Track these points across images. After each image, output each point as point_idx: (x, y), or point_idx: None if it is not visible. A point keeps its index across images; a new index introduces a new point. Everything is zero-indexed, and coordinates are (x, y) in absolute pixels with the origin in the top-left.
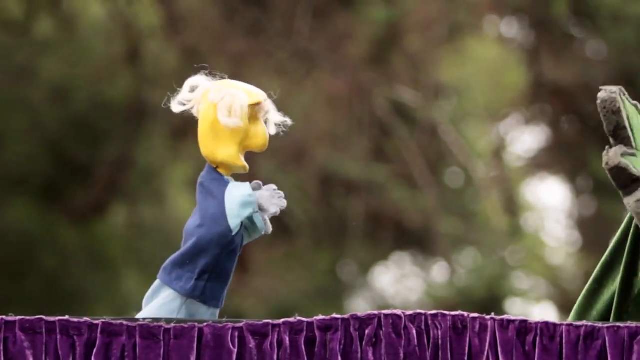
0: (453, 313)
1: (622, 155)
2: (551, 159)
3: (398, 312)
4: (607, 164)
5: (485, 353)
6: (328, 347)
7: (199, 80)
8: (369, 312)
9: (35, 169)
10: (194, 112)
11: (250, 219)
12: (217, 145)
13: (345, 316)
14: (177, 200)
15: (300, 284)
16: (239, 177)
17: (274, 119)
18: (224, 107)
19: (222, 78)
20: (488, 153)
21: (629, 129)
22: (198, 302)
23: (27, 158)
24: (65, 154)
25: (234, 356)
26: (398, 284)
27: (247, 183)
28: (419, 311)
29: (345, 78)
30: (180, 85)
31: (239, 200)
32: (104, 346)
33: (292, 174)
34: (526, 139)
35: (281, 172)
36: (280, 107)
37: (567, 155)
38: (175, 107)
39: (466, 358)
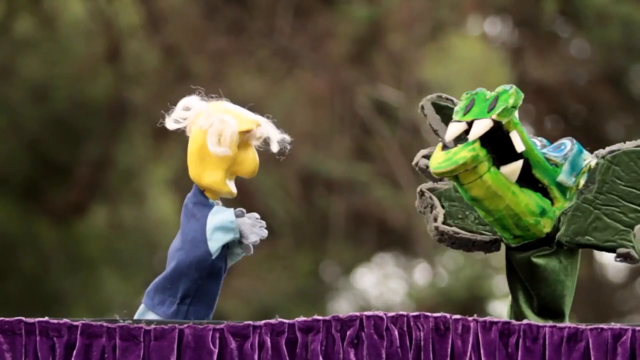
0: (435, 314)
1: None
2: None
3: (380, 313)
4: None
5: (468, 355)
6: (309, 348)
7: (192, 101)
8: (350, 313)
9: (15, 168)
10: (187, 131)
11: (230, 244)
12: (203, 170)
13: (327, 317)
14: (157, 200)
15: (282, 284)
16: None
17: (274, 138)
18: (213, 134)
19: (219, 99)
20: None
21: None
22: None
23: (6, 158)
24: (45, 154)
25: (215, 357)
26: (380, 285)
27: (231, 209)
28: (401, 312)
29: (327, 77)
30: (162, 84)
31: (220, 224)
32: (84, 348)
33: (274, 173)
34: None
35: (262, 171)
36: (261, 106)
37: None
38: (170, 124)
39: (448, 359)
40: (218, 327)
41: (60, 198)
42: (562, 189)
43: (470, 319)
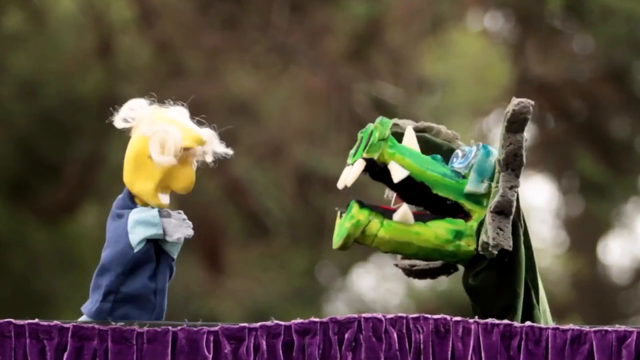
0: (435, 316)
1: None
2: (536, 157)
3: (378, 315)
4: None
5: (469, 358)
6: (306, 351)
7: (138, 103)
8: (348, 315)
9: (3, 166)
10: (131, 133)
11: (162, 246)
12: (136, 178)
13: (324, 320)
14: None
15: (277, 285)
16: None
17: (217, 151)
18: (156, 143)
19: (171, 104)
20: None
21: None
22: None
23: None
24: (35, 151)
25: None
26: (378, 286)
27: (156, 209)
28: (400, 314)
29: (324, 73)
30: (154, 80)
31: (142, 219)
32: (75, 351)
33: (269, 171)
34: None
35: (258, 169)
36: (257, 102)
37: (553, 153)
38: (119, 123)
39: None
40: (212, 329)
41: (50, 197)
42: (476, 198)
43: (471, 321)
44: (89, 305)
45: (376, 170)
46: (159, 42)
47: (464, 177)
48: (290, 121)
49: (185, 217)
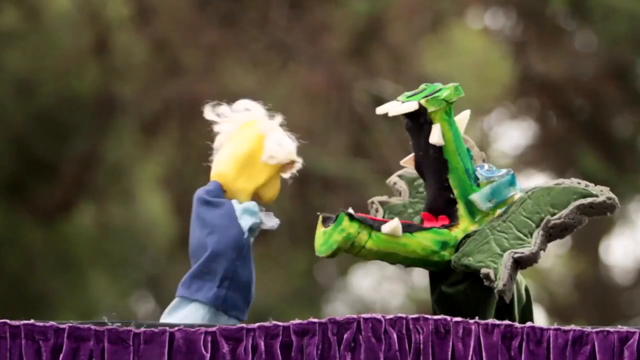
0: (435, 317)
1: None
2: (538, 155)
3: (378, 315)
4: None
5: (469, 358)
6: (305, 352)
7: (254, 104)
8: (347, 315)
9: None
10: (223, 129)
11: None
12: (240, 174)
13: (323, 320)
14: (147, 199)
15: (276, 286)
16: None
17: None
18: (273, 144)
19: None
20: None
21: None
22: (220, 312)
23: None
24: (30, 150)
25: None
26: (378, 287)
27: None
28: (399, 315)
29: (323, 71)
30: (152, 78)
31: (246, 207)
32: (71, 351)
33: None
34: (512, 135)
35: None
36: (255, 100)
37: (555, 152)
38: (209, 114)
39: None
40: (210, 330)
41: (46, 196)
42: (472, 208)
43: (471, 321)
44: (204, 291)
45: (417, 122)
46: (156, 40)
47: (479, 185)
48: (288, 120)
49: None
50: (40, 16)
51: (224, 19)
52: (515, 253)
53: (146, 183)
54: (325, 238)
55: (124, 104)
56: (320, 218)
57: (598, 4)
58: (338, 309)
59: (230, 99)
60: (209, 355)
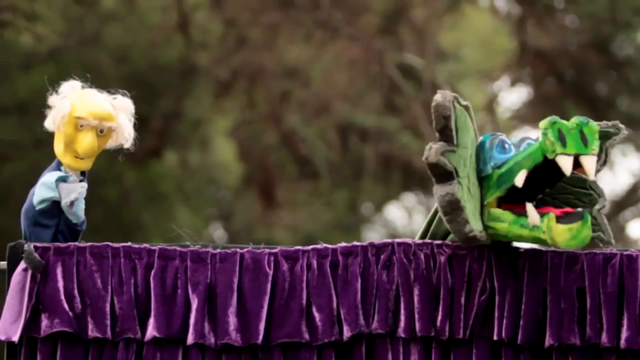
0: (455, 243)
1: (442, 153)
2: (533, 113)
3: (409, 240)
4: (426, 158)
5: (483, 275)
6: (349, 270)
7: (66, 86)
8: (384, 240)
9: None
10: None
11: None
12: (55, 143)
13: (364, 244)
14: (219, 146)
15: (323, 217)
16: None
17: (126, 134)
18: (51, 114)
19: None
20: (481, 107)
21: (453, 130)
22: None
23: None
24: None
25: (270, 278)
26: (408, 218)
27: (57, 173)
28: (426, 240)
29: (361, 45)
30: (223, 50)
31: (43, 182)
32: (161, 269)
33: (316, 125)
34: (513, 96)
35: (306, 124)
36: (307, 69)
37: (547, 109)
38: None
39: (466, 279)
40: (272, 251)
41: (139, 143)
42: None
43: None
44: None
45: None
46: (227, 19)
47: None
48: (333, 84)
49: (82, 185)
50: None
51: (282, 2)
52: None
53: (218, 134)
54: (573, 234)
55: (202, 71)
56: (554, 217)
57: None
58: (375, 236)
59: (287, 68)
60: (271, 272)
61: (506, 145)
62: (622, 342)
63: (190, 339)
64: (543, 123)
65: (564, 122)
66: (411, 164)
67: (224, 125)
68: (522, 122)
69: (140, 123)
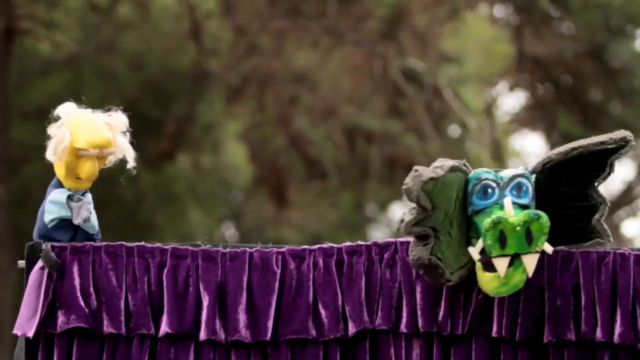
0: None
1: (414, 224)
2: (530, 118)
3: (411, 239)
4: (398, 229)
5: None
6: (354, 268)
7: (63, 109)
8: (387, 239)
9: None
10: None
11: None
12: (56, 168)
13: (368, 243)
14: (231, 149)
15: (330, 217)
16: None
17: (125, 151)
18: (51, 144)
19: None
20: (480, 111)
21: (425, 204)
22: None
23: None
24: (141, 111)
25: (278, 276)
26: None
27: (65, 192)
28: None
29: (366, 50)
30: (234, 56)
31: (54, 200)
32: (173, 267)
33: (323, 128)
34: (511, 101)
35: (314, 127)
36: (314, 73)
37: (543, 114)
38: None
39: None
40: (280, 250)
41: (153, 146)
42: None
43: None
44: None
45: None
46: (237, 27)
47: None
48: (339, 88)
49: (90, 203)
50: (149, 8)
51: (290, 10)
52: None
53: (230, 137)
54: (503, 281)
55: (213, 76)
56: (480, 265)
57: None
58: (379, 235)
59: (295, 73)
60: (279, 270)
61: (489, 190)
62: (616, 338)
63: (202, 335)
64: (487, 222)
65: (510, 220)
66: (415, 165)
67: (235, 128)
68: (520, 126)
69: (155, 127)
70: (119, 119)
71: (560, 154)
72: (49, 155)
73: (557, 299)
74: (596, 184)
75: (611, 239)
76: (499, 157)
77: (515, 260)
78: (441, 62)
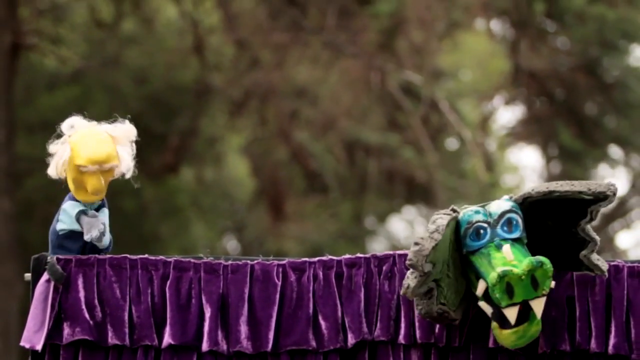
0: None
1: (417, 287)
2: (526, 131)
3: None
4: (404, 294)
5: None
6: (353, 280)
7: (68, 124)
8: (386, 252)
9: None
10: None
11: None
12: (68, 182)
13: (367, 255)
14: (233, 162)
15: (330, 229)
16: None
17: (126, 167)
18: (53, 161)
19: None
20: (477, 124)
21: (427, 269)
22: None
23: None
24: (145, 125)
25: (279, 288)
26: (409, 229)
27: (77, 205)
28: None
29: (364, 64)
30: (236, 70)
31: (68, 211)
32: (176, 279)
33: (323, 141)
34: (507, 114)
35: (314, 140)
36: (314, 87)
37: (539, 128)
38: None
39: None
40: (281, 263)
41: (157, 160)
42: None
43: None
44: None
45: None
46: (239, 41)
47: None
48: (339, 102)
49: (103, 221)
50: (153, 23)
51: (290, 25)
52: (591, 251)
53: (232, 150)
54: (520, 334)
55: (216, 91)
56: (496, 325)
57: (572, 12)
58: (378, 247)
59: (295, 86)
60: (280, 282)
61: (481, 232)
62: (610, 348)
63: (204, 347)
64: (492, 278)
65: (515, 271)
66: (413, 179)
67: (237, 142)
68: (516, 139)
69: (158, 140)
70: (123, 130)
71: (540, 194)
72: (51, 171)
73: (552, 310)
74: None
75: (606, 274)
76: (495, 170)
77: (529, 313)
78: (438, 76)
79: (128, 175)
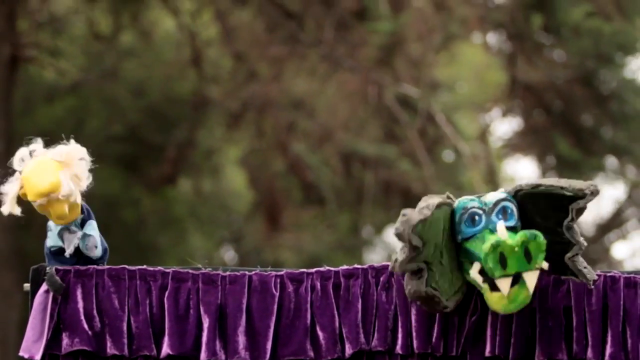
0: None
1: (407, 262)
2: (523, 143)
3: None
4: (393, 268)
5: (474, 296)
6: (351, 291)
7: (17, 158)
8: (383, 263)
9: (120, 148)
10: None
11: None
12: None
13: (365, 266)
14: (230, 174)
15: (327, 239)
16: None
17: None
18: (5, 201)
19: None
20: (474, 137)
21: (415, 242)
22: None
23: (113, 140)
24: (143, 137)
25: (276, 299)
26: None
27: (61, 227)
28: None
29: (362, 77)
30: (234, 83)
31: (50, 228)
32: (174, 290)
33: (320, 153)
34: (504, 126)
35: (311, 152)
36: (311, 100)
37: (537, 139)
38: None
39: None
40: (279, 273)
41: (155, 171)
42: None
43: None
44: None
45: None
46: (237, 54)
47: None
48: (336, 114)
49: (79, 235)
50: (151, 36)
51: (288, 38)
52: (575, 254)
53: (230, 162)
54: (511, 298)
55: (213, 103)
56: (487, 287)
57: (569, 25)
58: (375, 258)
59: (293, 99)
60: (278, 293)
61: (476, 218)
62: (607, 358)
63: (203, 357)
64: (486, 247)
65: (508, 242)
66: (410, 190)
67: (235, 154)
68: (513, 151)
69: (156, 152)
70: (67, 152)
71: (528, 186)
72: (5, 210)
73: (549, 320)
74: (573, 225)
75: (591, 284)
76: (493, 182)
77: (518, 279)
78: (435, 89)
79: (82, 188)
